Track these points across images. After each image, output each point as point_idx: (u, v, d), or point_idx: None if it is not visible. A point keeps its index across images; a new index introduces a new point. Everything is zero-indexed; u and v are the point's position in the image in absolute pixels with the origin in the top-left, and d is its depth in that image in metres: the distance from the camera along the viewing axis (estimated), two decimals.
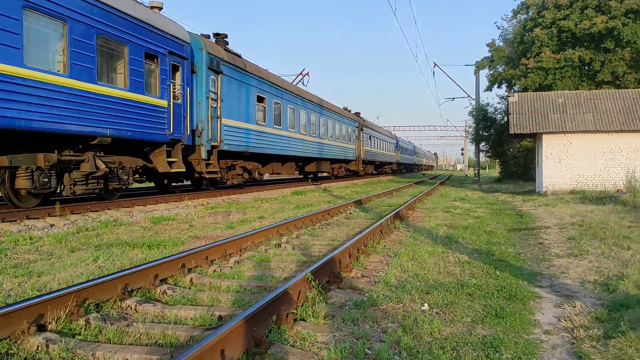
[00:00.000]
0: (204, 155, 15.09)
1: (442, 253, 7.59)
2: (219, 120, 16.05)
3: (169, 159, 13.65)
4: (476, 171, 44.60)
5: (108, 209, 11.92)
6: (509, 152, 37.14)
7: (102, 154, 11.52)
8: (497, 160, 49.15)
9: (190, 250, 6.89)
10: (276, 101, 21.02)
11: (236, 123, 17.23)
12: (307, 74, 46.83)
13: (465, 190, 26.78)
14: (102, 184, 11.55)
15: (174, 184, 18.91)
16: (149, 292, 5.37)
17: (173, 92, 13.49)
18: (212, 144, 15.66)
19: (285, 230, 9.83)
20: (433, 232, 9.90)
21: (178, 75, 13.85)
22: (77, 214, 10.94)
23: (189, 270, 6.27)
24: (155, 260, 6.04)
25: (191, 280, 5.93)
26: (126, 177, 12.40)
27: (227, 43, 17.42)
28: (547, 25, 32.95)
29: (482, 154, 49.12)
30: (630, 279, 5.58)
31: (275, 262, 7.15)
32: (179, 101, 13.81)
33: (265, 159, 21.40)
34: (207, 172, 15.72)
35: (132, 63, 11.73)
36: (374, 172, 52.43)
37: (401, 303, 4.91)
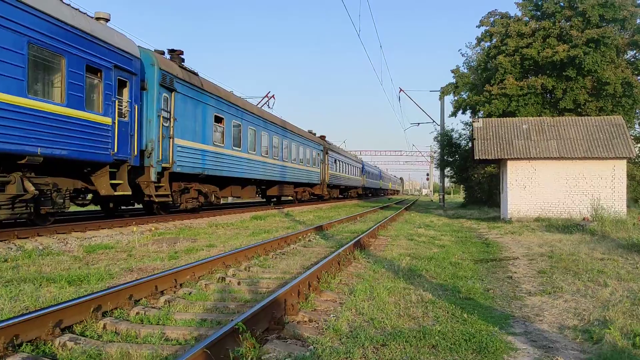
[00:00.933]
0: (153, 177, 14.07)
1: (403, 290, 6.79)
2: (171, 140, 15.07)
3: (113, 181, 12.58)
4: (441, 196, 44.37)
5: (39, 236, 10.77)
6: (473, 178, 37.04)
7: (32, 174, 10.41)
8: (462, 185, 49.18)
9: (112, 288, 5.90)
10: (236, 122, 20.16)
11: (191, 144, 16.27)
12: (273, 96, 46.31)
13: (430, 216, 26.26)
14: (31, 208, 10.41)
15: (123, 207, 17.74)
16: (44, 344, 4.38)
17: (119, 108, 12.51)
18: (163, 165, 14.65)
19: (233, 261, 8.90)
20: (395, 264, 9.11)
21: (125, 91, 12.88)
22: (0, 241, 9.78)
23: (105, 314, 5.29)
24: (62, 303, 5.05)
25: (104, 326, 4.96)
26: (62, 200, 11.28)
27: (182, 60, 16.55)
28: (510, 52, 33.16)
29: (447, 179, 49.09)
30: (615, 325, 4.86)
31: (213, 300, 6.22)
32: (126, 119, 12.82)
33: (223, 181, 20.42)
34: (157, 196, 14.67)
35: (70, 76, 10.73)
36: (340, 196, 51.78)
37: None
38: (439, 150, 44.23)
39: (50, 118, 10.17)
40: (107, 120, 11.93)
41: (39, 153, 9.88)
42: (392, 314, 5.45)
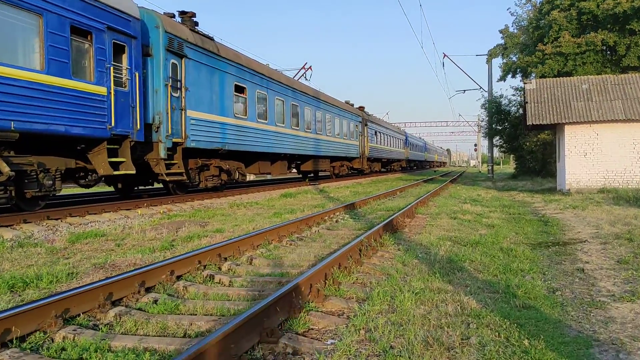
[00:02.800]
0: (162, 154, 12.65)
1: (437, 293, 5.06)
2: (182, 112, 13.59)
3: (114, 159, 11.22)
4: (490, 167, 41.76)
5: (25, 222, 9.53)
6: (525, 147, 34.33)
7: (11, 153, 9.11)
8: (512, 155, 46.26)
9: (41, 300, 4.42)
10: (261, 92, 18.53)
11: (207, 116, 14.76)
12: (310, 67, 44.45)
13: (478, 189, 24.10)
14: (12, 192, 9.13)
15: (141, 187, 16.51)
16: None
17: (116, 77, 11.07)
18: (174, 140, 13.21)
19: (234, 252, 7.35)
20: (431, 252, 7.35)
21: (124, 57, 11.42)
22: None
23: (12, 342, 3.80)
24: None
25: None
26: (50, 181, 9.98)
27: (195, 23, 14.96)
28: (565, 7, 30.14)
29: (495, 149, 46.31)
30: None
31: (183, 311, 4.70)
32: (125, 88, 11.38)
33: (249, 157, 18.93)
34: (169, 174, 13.27)
35: (50, 39, 9.29)
36: (383, 169, 49.80)
37: None
38: (487, 118, 41.50)
39: (25, 87, 8.79)
40: (101, 89, 10.50)
41: (12, 128, 8.52)
42: (416, 340, 3.75)
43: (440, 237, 8.69)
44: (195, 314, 4.66)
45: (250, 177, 36.15)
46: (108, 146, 10.95)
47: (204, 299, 5.20)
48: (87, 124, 10.16)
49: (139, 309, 4.79)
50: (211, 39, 15.38)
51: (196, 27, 15.00)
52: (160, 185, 16.90)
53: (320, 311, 4.61)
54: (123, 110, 11.19)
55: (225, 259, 7.03)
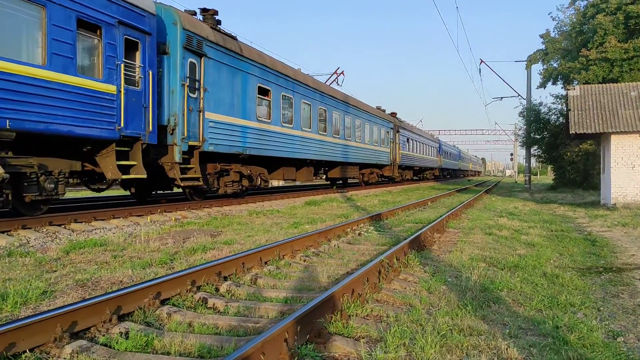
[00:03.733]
0: (177, 157, 11.95)
1: (468, 335, 4.11)
2: (200, 114, 12.89)
3: (123, 162, 10.56)
4: (527, 177, 40.11)
5: (24, 228, 8.90)
6: (565, 157, 32.66)
7: (9, 154, 8.49)
8: (551, 165, 44.40)
9: None
10: (286, 95, 17.75)
11: (227, 119, 14.04)
12: (342, 73, 43.66)
13: (515, 201, 22.78)
14: (8, 195, 8.51)
15: (159, 192, 15.90)
16: None
17: (127, 75, 10.43)
18: (191, 143, 12.51)
19: (237, 269, 6.52)
20: (462, 276, 6.37)
21: (137, 54, 10.77)
22: None
23: None
24: None
25: None
26: (52, 185, 9.35)
27: (217, 22, 14.28)
28: (611, 11, 28.53)
29: (533, 159, 44.54)
30: None
31: (155, 349, 3.88)
32: (138, 88, 10.72)
33: (272, 163, 18.16)
34: (184, 179, 12.56)
35: (53, 32, 8.68)
36: (415, 177, 48.54)
37: None
38: (525, 126, 39.87)
39: (23, 83, 8.17)
40: (110, 88, 9.86)
41: (7, 126, 7.90)
42: None
43: (473, 257, 7.69)
44: (169, 354, 3.82)
45: (279, 183, 35.50)
46: (117, 148, 10.30)
47: (186, 331, 4.37)
48: (94, 125, 9.51)
49: (104, 345, 3.97)
50: (234, 38, 14.68)
51: (218, 25, 14.31)
52: (180, 190, 16.27)
53: (320, 357, 3.71)
54: (134, 111, 10.53)
55: (226, 278, 6.19)
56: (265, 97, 16.43)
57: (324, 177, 27.18)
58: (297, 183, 34.96)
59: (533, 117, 37.38)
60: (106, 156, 10.17)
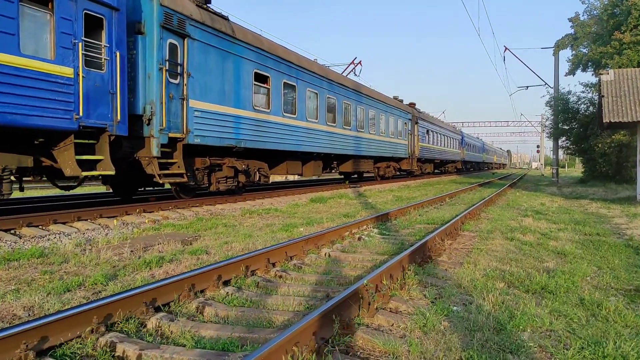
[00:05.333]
0: (154, 151, 10.58)
1: None
2: (183, 102, 11.49)
3: (87, 157, 9.20)
4: (554, 170, 37.98)
5: None
6: (596, 148, 30.51)
7: None
8: (580, 158, 42.10)
9: None
10: (288, 82, 16.26)
11: (216, 107, 12.61)
12: (360, 62, 41.99)
13: (541, 196, 20.95)
14: None
15: (149, 189, 14.58)
16: None
17: (88, 56, 9.05)
18: (172, 135, 11.12)
19: (181, 293, 5.08)
20: (473, 304, 4.86)
21: (101, 33, 9.38)
22: None
23: None
24: None
25: None
26: None
27: (207, 1, 12.83)
28: None
29: (561, 151, 42.30)
30: None
31: None
32: (103, 71, 9.34)
33: (274, 156, 16.71)
34: (166, 175, 11.18)
35: None
36: (437, 171, 46.70)
37: None
38: (552, 117, 37.71)
39: None
40: (65, 70, 8.49)
41: None
42: None
43: (489, 274, 6.12)
44: None
45: (286, 178, 34.05)
46: (76, 141, 8.94)
47: None
48: (44, 113, 8.16)
49: None
50: (225, 18, 13.22)
51: (208, 4, 12.87)
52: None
53: None
54: (98, 97, 9.16)
55: (159, 308, 4.75)
56: (264, 85, 14.96)
57: (337, 171, 25.69)
58: (306, 178, 33.59)
59: (561, 107, 35.24)
60: (64, 150, 8.83)
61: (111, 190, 13.77)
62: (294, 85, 16.68)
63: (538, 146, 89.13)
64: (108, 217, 10.24)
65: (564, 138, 37.27)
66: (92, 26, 9.20)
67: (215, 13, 12.78)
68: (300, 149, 17.10)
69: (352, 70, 41.59)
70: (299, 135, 16.99)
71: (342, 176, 29.04)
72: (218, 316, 4.72)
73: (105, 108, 9.32)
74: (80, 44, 8.76)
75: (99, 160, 9.50)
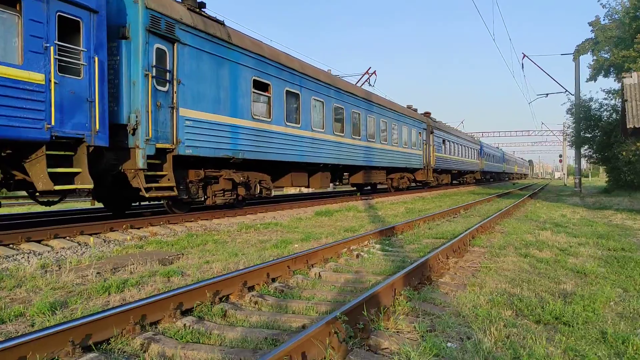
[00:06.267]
0: (140, 163, 9.91)
1: None
2: (173, 110, 10.83)
3: (62, 170, 8.56)
4: (577, 180, 36.61)
5: None
6: (620, 156, 29.20)
7: None
8: (604, 166, 40.65)
9: None
10: (291, 90, 15.55)
11: (210, 116, 11.94)
12: (374, 72, 41.31)
13: (562, 207, 19.85)
14: None
15: (144, 203, 13.95)
16: None
17: (62, 61, 8.44)
18: (160, 145, 10.45)
19: (127, 327, 4.32)
20: (470, 341, 4.01)
21: (79, 37, 8.77)
22: None
23: None
24: None
25: None
26: None
27: (201, 5, 12.22)
28: None
29: (583, 160, 40.89)
30: None
31: None
32: (79, 77, 8.73)
33: (277, 168, 15.98)
34: (153, 189, 10.50)
35: None
36: (455, 181, 45.58)
37: None
38: (574, 124, 36.44)
39: None
40: (34, 76, 7.87)
41: None
42: None
43: (495, 299, 5.26)
44: None
45: (300, 191, 33.29)
46: (50, 152, 8.30)
47: None
48: (9, 122, 7.54)
49: None
50: (220, 22, 12.59)
51: (202, 9, 12.26)
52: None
53: None
54: (73, 105, 8.53)
55: (90, 348, 3.99)
56: (264, 93, 14.27)
57: (349, 183, 24.85)
58: (316, 190, 32.79)
59: (582, 114, 34.04)
60: (35, 162, 8.19)
61: (103, 206, 13.13)
62: (298, 94, 15.97)
63: (560, 155, 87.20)
64: (89, 234, 9.57)
65: (586, 146, 36.00)
66: (68, 29, 8.60)
67: (209, 17, 12.16)
68: (305, 159, 16.35)
69: (366, 80, 40.91)
70: (304, 146, 16.24)
71: (355, 188, 28.22)
72: (164, 356, 3.95)
73: (83, 117, 8.68)
74: (52, 48, 8.15)
75: (78, 173, 8.84)
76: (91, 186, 8.85)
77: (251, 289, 6.01)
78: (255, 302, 5.50)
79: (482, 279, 6.46)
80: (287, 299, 5.60)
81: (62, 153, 8.60)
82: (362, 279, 6.63)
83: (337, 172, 21.03)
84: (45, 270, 6.89)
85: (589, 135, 34.63)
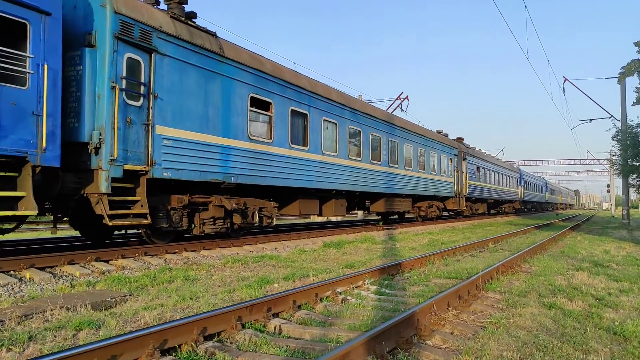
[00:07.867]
0: (103, 187, 8.68)
1: None
2: (148, 128, 9.63)
3: (3, 193, 7.38)
4: (624, 211, 33.88)
5: None
6: None
7: None
8: None
9: None
10: (297, 109, 14.23)
11: (195, 136, 10.70)
12: (407, 97, 39.87)
13: (606, 241, 17.69)
14: None
15: (133, 231, 12.75)
16: None
17: (1, 68, 7.33)
18: (129, 167, 9.22)
19: None
20: None
21: (25, 41, 7.69)
22: None
23: None
24: None
25: None
26: None
27: (190, 15, 11.12)
28: None
29: (632, 190, 38.00)
30: None
31: None
32: (24, 87, 7.61)
33: (281, 194, 14.59)
34: (119, 216, 9.22)
35: None
36: (492, 211, 43.23)
37: None
38: (620, 152, 33.86)
39: None
40: None
41: None
42: None
43: None
44: None
45: (328, 219, 31.70)
46: None
47: None
48: None
49: None
50: (212, 34, 11.44)
51: (192, 19, 11.15)
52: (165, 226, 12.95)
53: None
54: (14, 119, 7.39)
55: None
56: (265, 112, 12.99)
57: (375, 212, 23.20)
58: (345, 218, 31.20)
59: (630, 141, 31.51)
60: None
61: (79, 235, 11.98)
62: (306, 114, 14.64)
63: (608, 185, 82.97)
64: (41, 269, 8.34)
65: (634, 175, 33.31)
66: (11, 33, 7.53)
67: (197, 27, 11.02)
68: (314, 185, 14.91)
69: (398, 106, 39.49)
70: (312, 170, 14.83)
71: (380, 217, 26.55)
72: None
73: (26, 133, 7.54)
74: None
75: (22, 197, 7.65)
76: (35, 212, 7.65)
77: (169, 352, 4.57)
78: None
79: (484, 341, 4.84)
80: None
81: (2, 174, 7.44)
82: (329, 335, 5.11)
83: (353, 199, 19.46)
84: None
85: (637, 164, 32.05)
